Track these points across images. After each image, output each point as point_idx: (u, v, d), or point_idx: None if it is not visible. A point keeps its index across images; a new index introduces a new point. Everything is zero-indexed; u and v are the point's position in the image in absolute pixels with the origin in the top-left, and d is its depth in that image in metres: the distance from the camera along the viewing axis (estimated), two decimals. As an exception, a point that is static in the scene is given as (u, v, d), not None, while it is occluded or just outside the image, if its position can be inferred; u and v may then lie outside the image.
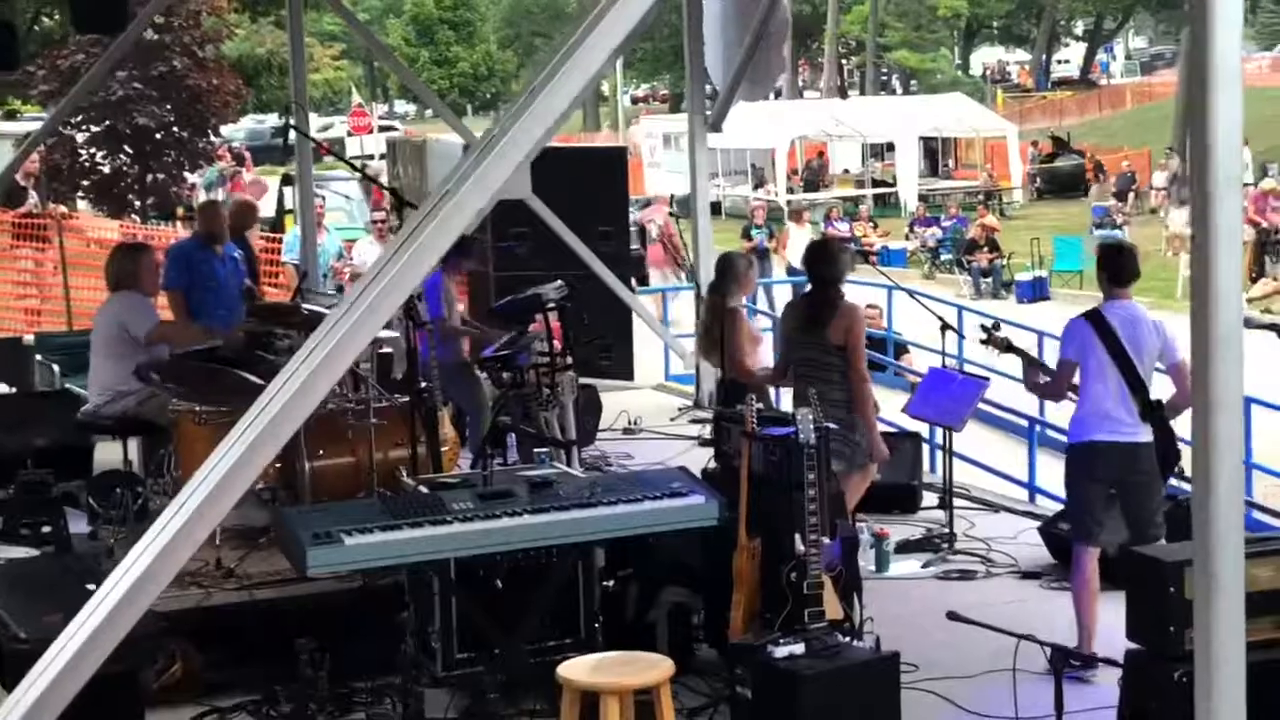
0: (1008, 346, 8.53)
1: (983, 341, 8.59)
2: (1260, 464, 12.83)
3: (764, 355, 10.52)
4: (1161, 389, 7.56)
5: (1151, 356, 7.50)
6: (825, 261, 8.98)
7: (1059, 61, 78.81)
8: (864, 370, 8.75)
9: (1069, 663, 6.07)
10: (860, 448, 8.72)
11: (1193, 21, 4.63)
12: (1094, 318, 7.55)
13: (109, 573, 4.98)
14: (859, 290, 20.51)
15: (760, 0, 13.03)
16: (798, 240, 25.67)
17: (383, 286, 4.17)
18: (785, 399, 11.02)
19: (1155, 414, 7.40)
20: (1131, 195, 39.60)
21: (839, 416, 8.42)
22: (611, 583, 7.51)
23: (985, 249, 30.07)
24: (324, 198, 22.94)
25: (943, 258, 31.94)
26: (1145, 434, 7.44)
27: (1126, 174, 40.64)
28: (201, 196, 31.12)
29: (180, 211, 28.37)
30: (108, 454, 9.88)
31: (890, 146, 43.65)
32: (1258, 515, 10.82)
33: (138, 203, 28.16)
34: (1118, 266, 7.78)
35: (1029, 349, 9.50)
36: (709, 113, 13.89)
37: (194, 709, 7.08)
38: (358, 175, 28.95)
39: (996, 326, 8.55)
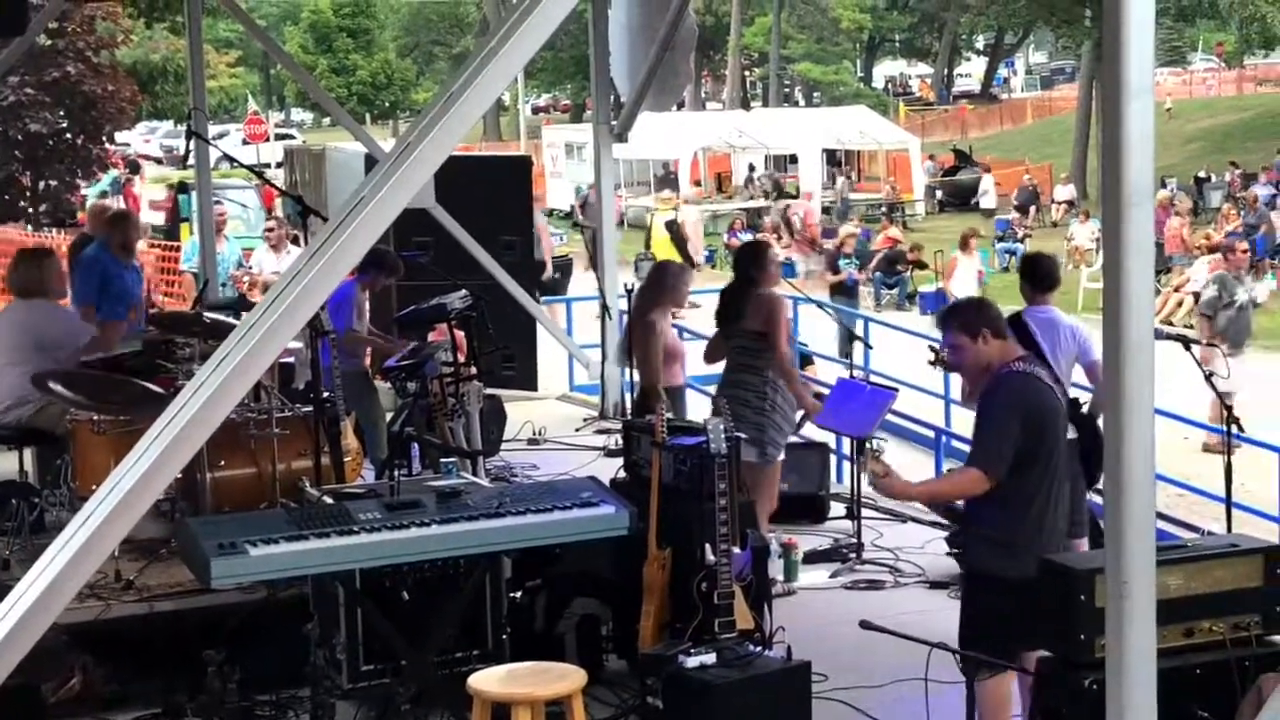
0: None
1: (931, 363, 8.77)
2: (1162, 474, 12.96)
3: (680, 370, 10.54)
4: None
5: (1069, 358, 7.68)
6: (756, 263, 9.29)
7: (960, 75, 79.67)
8: (786, 355, 9.09)
9: (980, 671, 6.08)
10: (769, 436, 8.94)
11: (1104, 30, 4.65)
12: (1014, 322, 7.70)
13: (6, 585, 4.87)
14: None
15: (667, 10, 13.02)
16: (965, 271, 23.66)
17: (295, 295, 4.10)
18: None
19: (1076, 413, 7.50)
20: (1033, 209, 40.04)
21: (754, 405, 8.74)
22: (519, 594, 7.46)
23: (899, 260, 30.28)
24: (220, 201, 22.68)
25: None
26: None
27: (1028, 188, 41.09)
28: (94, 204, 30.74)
29: (80, 217, 27.97)
30: (2, 464, 9.67)
31: (793, 158, 43.83)
32: (1160, 524, 10.91)
33: (30, 210, 27.72)
34: (1039, 274, 8.08)
35: None
36: (614, 123, 13.85)
37: (93, 723, 6.97)
38: (258, 184, 28.73)
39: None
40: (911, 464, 13.76)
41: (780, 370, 9.09)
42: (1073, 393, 7.70)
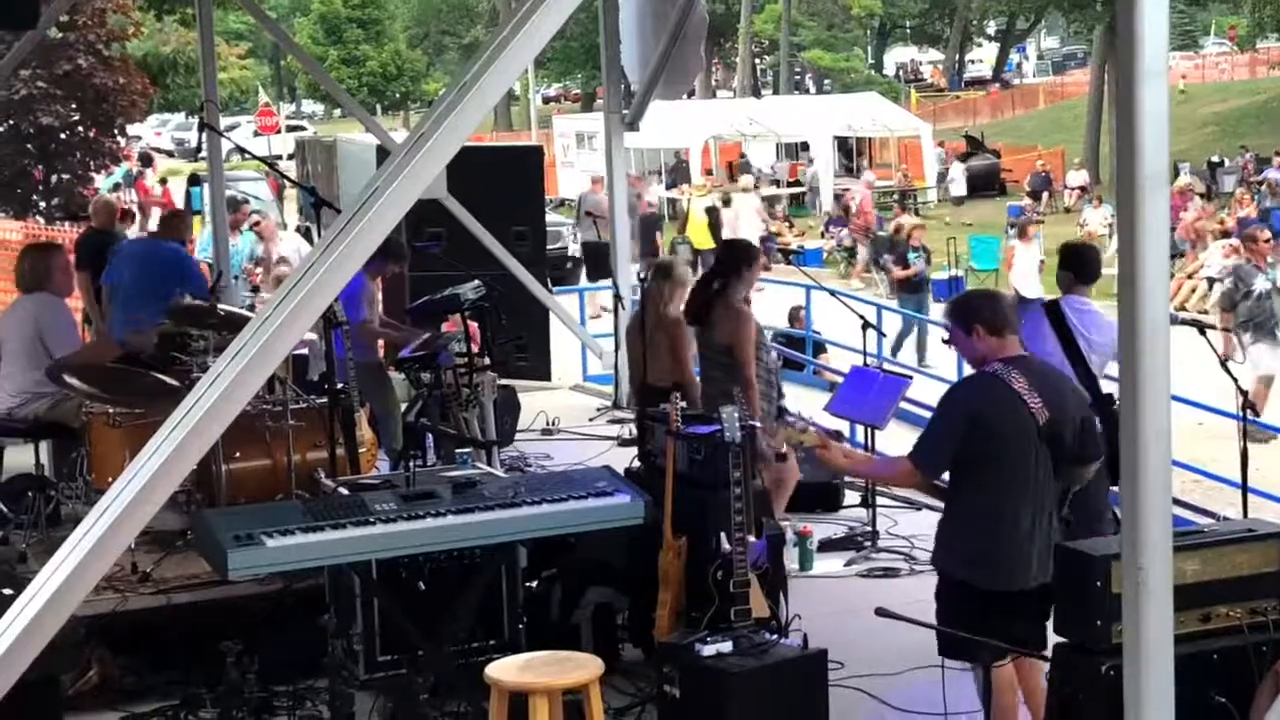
0: None
1: (945, 341, 8.69)
2: (1177, 459, 12.93)
3: None
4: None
5: (1104, 353, 7.54)
6: (741, 257, 9.18)
7: (972, 61, 79.46)
8: (751, 376, 8.84)
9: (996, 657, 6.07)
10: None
11: (1118, 14, 4.63)
12: (1050, 308, 7.62)
13: (23, 577, 4.88)
14: (780, 290, 20.58)
15: (677, -2, 13.03)
16: (1024, 260, 22.55)
17: (310, 287, 4.11)
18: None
19: (1106, 409, 7.43)
20: (1045, 194, 39.97)
21: None
22: (535, 583, 7.46)
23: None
24: (248, 199, 22.76)
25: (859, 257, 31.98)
26: None
27: (1040, 173, 41.00)
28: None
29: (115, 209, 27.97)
30: (18, 458, 9.69)
31: (805, 146, 43.77)
32: (1176, 510, 10.89)
33: (42, 203, 27.73)
34: (1081, 264, 7.95)
35: None
36: (625, 112, 13.84)
37: (111, 715, 6.98)
38: (267, 175, 28.75)
39: None
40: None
41: (747, 400, 8.68)
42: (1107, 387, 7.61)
